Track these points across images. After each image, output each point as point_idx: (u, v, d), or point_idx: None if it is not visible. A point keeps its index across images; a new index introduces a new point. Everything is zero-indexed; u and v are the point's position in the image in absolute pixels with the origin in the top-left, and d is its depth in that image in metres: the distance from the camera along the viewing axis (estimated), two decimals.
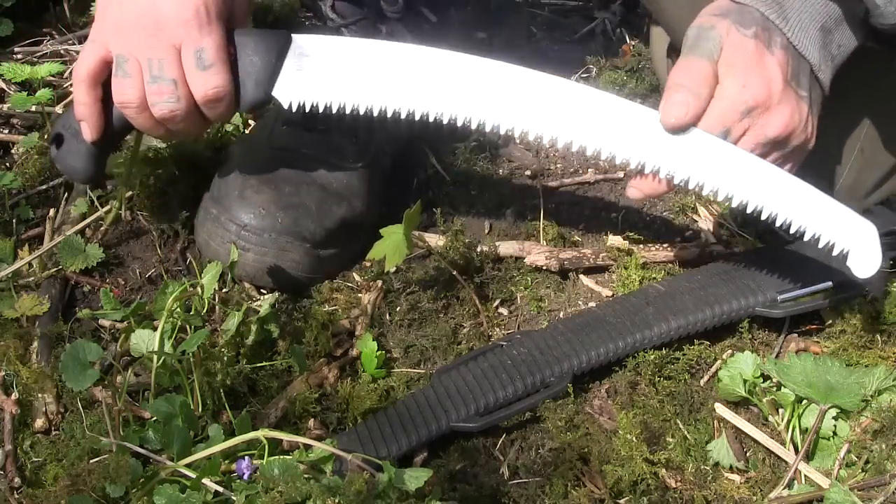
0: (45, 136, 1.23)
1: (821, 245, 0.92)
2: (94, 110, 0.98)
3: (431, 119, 0.96)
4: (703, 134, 0.93)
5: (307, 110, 0.99)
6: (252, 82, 0.98)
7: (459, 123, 0.96)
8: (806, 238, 0.92)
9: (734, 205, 0.93)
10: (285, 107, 0.98)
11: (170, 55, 0.94)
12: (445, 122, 0.97)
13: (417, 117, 0.96)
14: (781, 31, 0.93)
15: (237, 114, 1.23)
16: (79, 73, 0.98)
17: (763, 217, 0.93)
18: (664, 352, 1.01)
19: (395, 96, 0.96)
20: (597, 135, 0.95)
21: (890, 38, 0.94)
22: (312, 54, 0.97)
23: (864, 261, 0.91)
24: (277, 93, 0.98)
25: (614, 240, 1.17)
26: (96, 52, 0.97)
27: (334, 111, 0.98)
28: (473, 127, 0.96)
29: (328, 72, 0.97)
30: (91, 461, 0.89)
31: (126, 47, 0.95)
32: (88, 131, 0.99)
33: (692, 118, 0.92)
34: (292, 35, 0.98)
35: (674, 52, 1.19)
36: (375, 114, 0.97)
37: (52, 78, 1.29)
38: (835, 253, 0.92)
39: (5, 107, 1.30)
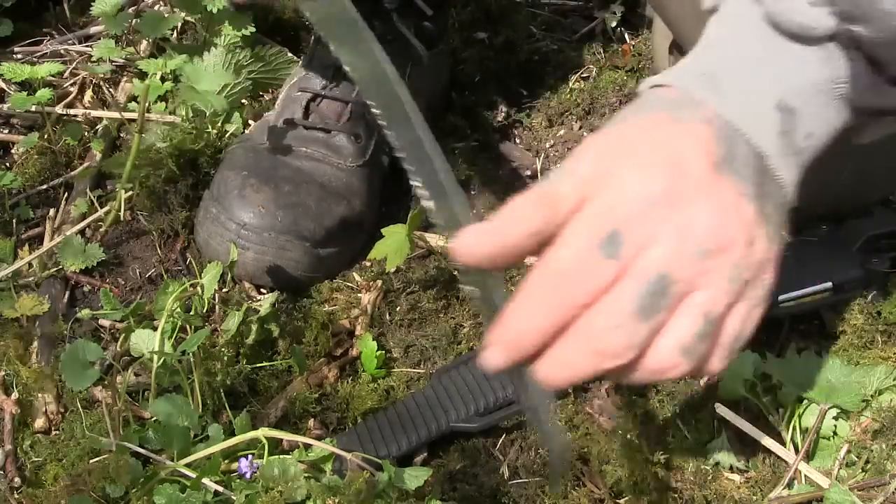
0: (45, 136, 1.23)
1: None
2: None
3: None
4: None
5: None
6: None
7: None
8: None
9: None
10: None
11: None
12: None
13: None
14: (710, 107, 0.60)
15: (237, 114, 1.23)
16: None
17: None
18: None
19: None
20: None
21: None
22: None
23: None
24: None
25: None
26: None
27: None
28: None
29: None
30: (91, 461, 0.89)
31: None
32: None
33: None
34: None
35: (677, 49, 1.19)
36: None
37: (52, 78, 1.29)
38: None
39: (5, 107, 1.30)
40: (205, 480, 0.84)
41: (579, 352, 0.56)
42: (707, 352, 0.58)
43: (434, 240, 1.13)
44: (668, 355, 0.56)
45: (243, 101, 1.27)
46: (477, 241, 0.58)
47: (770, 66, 0.62)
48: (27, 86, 1.30)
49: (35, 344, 1.02)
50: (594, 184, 0.57)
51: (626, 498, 0.92)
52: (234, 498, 0.84)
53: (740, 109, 0.60)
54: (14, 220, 1.16)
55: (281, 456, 0.87)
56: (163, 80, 1.24)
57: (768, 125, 0.61)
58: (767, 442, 0.95)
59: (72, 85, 1.33)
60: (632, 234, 0.55)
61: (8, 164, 1.25)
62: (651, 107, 0.61)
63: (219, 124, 1.21)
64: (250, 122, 1.25)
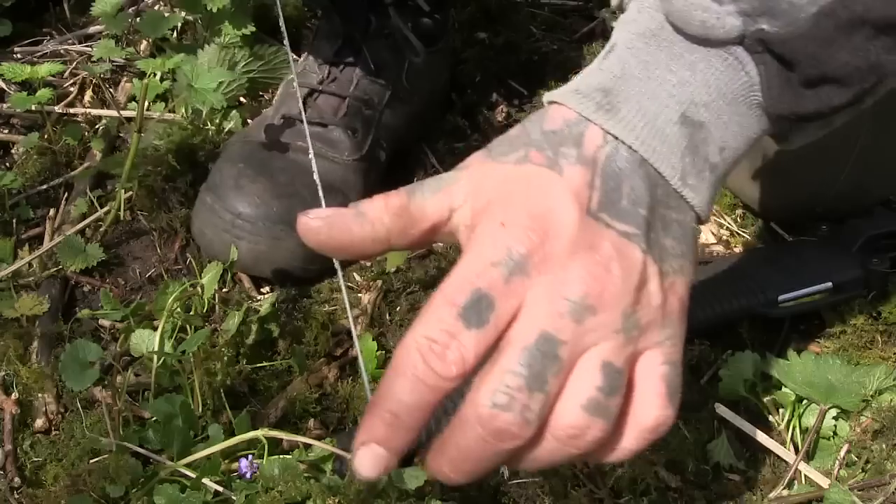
0: (45, 136, 1.23)
1: None
2: None
3: None
4: None
5: None
6: None
7: None
8: None
9: None
10: None
11: None
12: None
13: None
14: (602, 129, 0.55)
15: (236, 112, 1.23)
16: None
17: None
18: None
19: None
20: None
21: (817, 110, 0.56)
22: None
23: None
24: None
25: None
26: None
27: None
28: None
29: None
30: (91, 461, 0.89)
31: None
32: None
33: None
34: None
35: None
36: None
37: (52, 78, 1.29)
38: None
39: (5, 107, 1.30)
40: (205, 480, 0.84)
41: (473, 439, 0.52)
42: (620, 406, 0.53)
43: None
44: (574, 417, 0.52)
45: (242, 99, 1.27)
46: (320, 227, 0.56)
47: (673, 73, 0.56)
48: (27, 86, 1.30)
49: (35, 344, 1.02)
50: (461, 220, 0.55)
51: (626, 498, 0.91)
52: (234, 498, 0.84)
53: (637, 129, 0.55)
54: (14, 220, 1.16)
55: (281, 456, 0.87)
56: (162, 79, 1.24)
57: (671, 143, 0.55)
58: (767, 442, 0.95)
59: (72, 85, 1.33)
60: (501, 301, 0.51)
61: (8, 164, 1.25)
62: (535, 141, 0.56)
63: (217, 121, 1.21)
64: (249, 121, 1.25)
